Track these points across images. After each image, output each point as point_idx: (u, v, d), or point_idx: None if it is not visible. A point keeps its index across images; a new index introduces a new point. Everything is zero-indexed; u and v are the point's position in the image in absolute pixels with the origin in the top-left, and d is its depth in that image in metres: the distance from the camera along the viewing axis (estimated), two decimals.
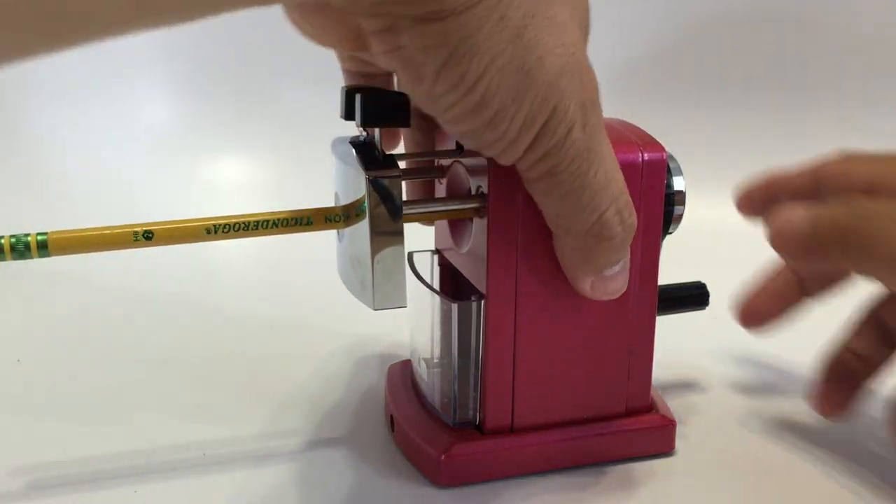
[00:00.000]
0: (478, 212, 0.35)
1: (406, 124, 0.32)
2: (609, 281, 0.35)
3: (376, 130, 0.34)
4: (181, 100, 0.81)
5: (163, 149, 0.79)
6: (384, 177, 0.32)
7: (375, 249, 0.33)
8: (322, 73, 0.79)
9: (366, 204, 0.32)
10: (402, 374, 0.43)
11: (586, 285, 0.35)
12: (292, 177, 0.77)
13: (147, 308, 0.58)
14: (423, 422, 0.39)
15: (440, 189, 0.40)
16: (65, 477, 0.38)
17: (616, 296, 0.35)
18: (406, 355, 0.45)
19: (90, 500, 0.37)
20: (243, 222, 0.33)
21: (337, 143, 0.36)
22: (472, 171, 0.36)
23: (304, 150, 0.78)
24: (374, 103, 0.32)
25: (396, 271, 0.33)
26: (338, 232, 0.36)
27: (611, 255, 0.34)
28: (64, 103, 0.78)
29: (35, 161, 0.76)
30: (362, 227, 0.33)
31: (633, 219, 0.34)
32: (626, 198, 0.33)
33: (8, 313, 0.57)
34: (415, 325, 0.41)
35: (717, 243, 0.62)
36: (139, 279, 0.62)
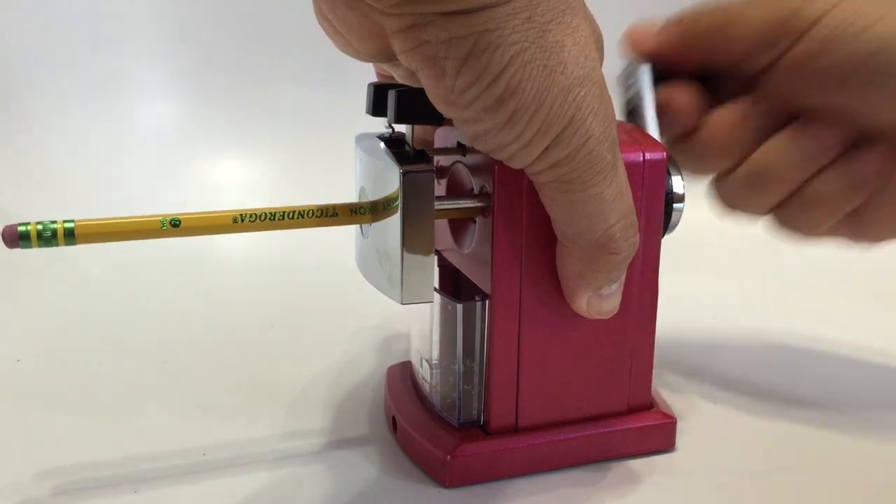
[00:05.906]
0: (482, 211, 0.35)
1: (440, 122, 0.32)
2: (605, 300, 0.35)
3: (406, 127, 0.34)
4: (180, 100, 0.80)
5: (161, 149, 0.79)
6: (418, 171, 0.32)
7: (406, 244, 0.33)
8: (322, 74, 0.80)
9: (399, 199, 0.32)
10: (401, 375, 0.43)
11: (583, 301, 0.35)
12: (292, 176, 0.77)
13: (147, 308, 0.58)
14: (427, 423, 0.39)
15: (438, 189, 0.40)
16: (64, 476, 0.38)
17: (608, 316, 0.36)
18: (405, 356, 0.45)
19: (90, 500, 0.36)
20: (270, 213, 0.33)
21: (362, 138, 0.36)
22: (475, 170, 0.36)
23: (304, 149, 0.78)
24: (408, 100, 0.32)
25: (425, 266, 0.33)
26: (360, 227, 0.36)
27: (611, 271, 0.34)
28: (64, 103, 0.77)
29: (34, 161, 0.75)
30: (392, 222, 0.33)
31: (636, 238, 0.34)
32: (633, 217, 0.33)
33: (8, 313, 0.57)
34: (416, 325, 0.41)
35: (715, 243, 0.63)
36: (139, 280, 0.62)
